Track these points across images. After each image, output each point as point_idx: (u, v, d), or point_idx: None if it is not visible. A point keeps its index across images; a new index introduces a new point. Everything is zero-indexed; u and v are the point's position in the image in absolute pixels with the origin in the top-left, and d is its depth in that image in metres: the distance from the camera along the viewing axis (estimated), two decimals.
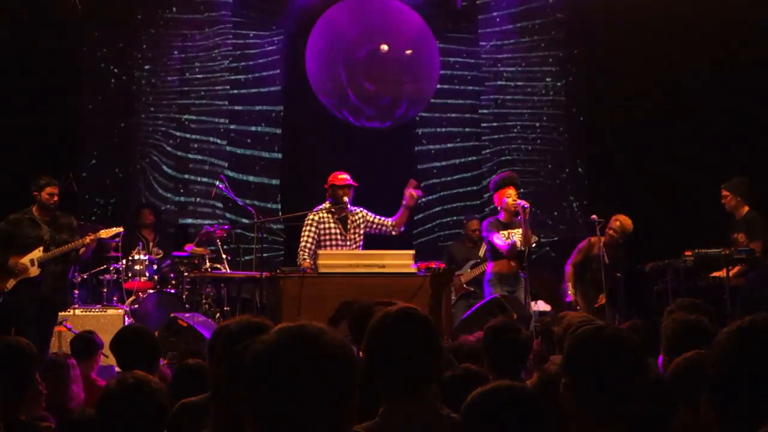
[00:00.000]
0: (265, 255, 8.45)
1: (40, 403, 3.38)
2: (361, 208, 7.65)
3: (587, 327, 2.08)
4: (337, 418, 1.49)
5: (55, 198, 7.21)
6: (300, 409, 1.46)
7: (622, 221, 8.10)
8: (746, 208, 7.83)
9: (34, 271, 7.05)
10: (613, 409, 1.98)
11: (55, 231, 7.19)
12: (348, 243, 7.47)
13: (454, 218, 10.69)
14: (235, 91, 10.69)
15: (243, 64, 10.71)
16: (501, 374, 3.55)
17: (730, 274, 7.45)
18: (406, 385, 2.41)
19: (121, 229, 7.74)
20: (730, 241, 7.81)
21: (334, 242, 7.45)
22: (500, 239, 7.86)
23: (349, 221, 7.53)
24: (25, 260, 7.06)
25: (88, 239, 7.20)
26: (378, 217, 7.64)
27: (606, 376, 1.98)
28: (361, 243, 7.54)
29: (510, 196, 7.84)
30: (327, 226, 7.47)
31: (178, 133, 10.53)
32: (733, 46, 9.90)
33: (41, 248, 7.10)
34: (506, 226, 7.91)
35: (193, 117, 10.55)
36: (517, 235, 7.80)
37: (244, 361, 1.51)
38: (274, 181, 10.69)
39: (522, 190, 8.48)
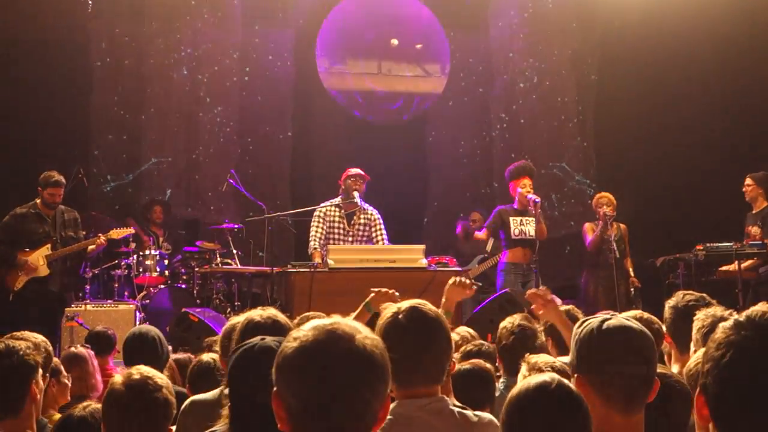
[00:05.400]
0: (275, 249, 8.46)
1: (44, 401, 3.37)
2: (379, 217, 7.61)
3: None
4: (367, 413, 1.51)
5: (57, 198, 7.23)
6: (332, 404, 1.48)
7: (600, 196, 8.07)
8: (765, 203, 7.77)
9: (44, 270, 7.08)
10: None
11: (61, 226, 7.21)
12: (350, 239, 7.47)
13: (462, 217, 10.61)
14: (244, 91, 10.68)
15: (253, 57, 10.70)
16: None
17: (742, 267, 7.40)
18: (416, 380, 2.42)
19: (132, 230, 7.85)
20: (743, 235, 7.75)
21: (336, 236, 7.48)
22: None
23: (355, 217, 7.52)
24: (34, 258, 7.07)
25: (99, 240, 7.22)
26: (383, 233, 7.57)
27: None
28: (364, 241, 7.48)
29: (524, 187, 7.76)
30: (332, 219, 7.49)
31: (187, 129, 10.53)
32: (756, 40, 9.82)
33: (49, 245, 7.11)
34: (520, 213, 7.85)
35: (202, 111, 10.55)
36: (530, 224, 7.73)
37: (279, 357, 1.53)
38: (285, 173, 10.70)
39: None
